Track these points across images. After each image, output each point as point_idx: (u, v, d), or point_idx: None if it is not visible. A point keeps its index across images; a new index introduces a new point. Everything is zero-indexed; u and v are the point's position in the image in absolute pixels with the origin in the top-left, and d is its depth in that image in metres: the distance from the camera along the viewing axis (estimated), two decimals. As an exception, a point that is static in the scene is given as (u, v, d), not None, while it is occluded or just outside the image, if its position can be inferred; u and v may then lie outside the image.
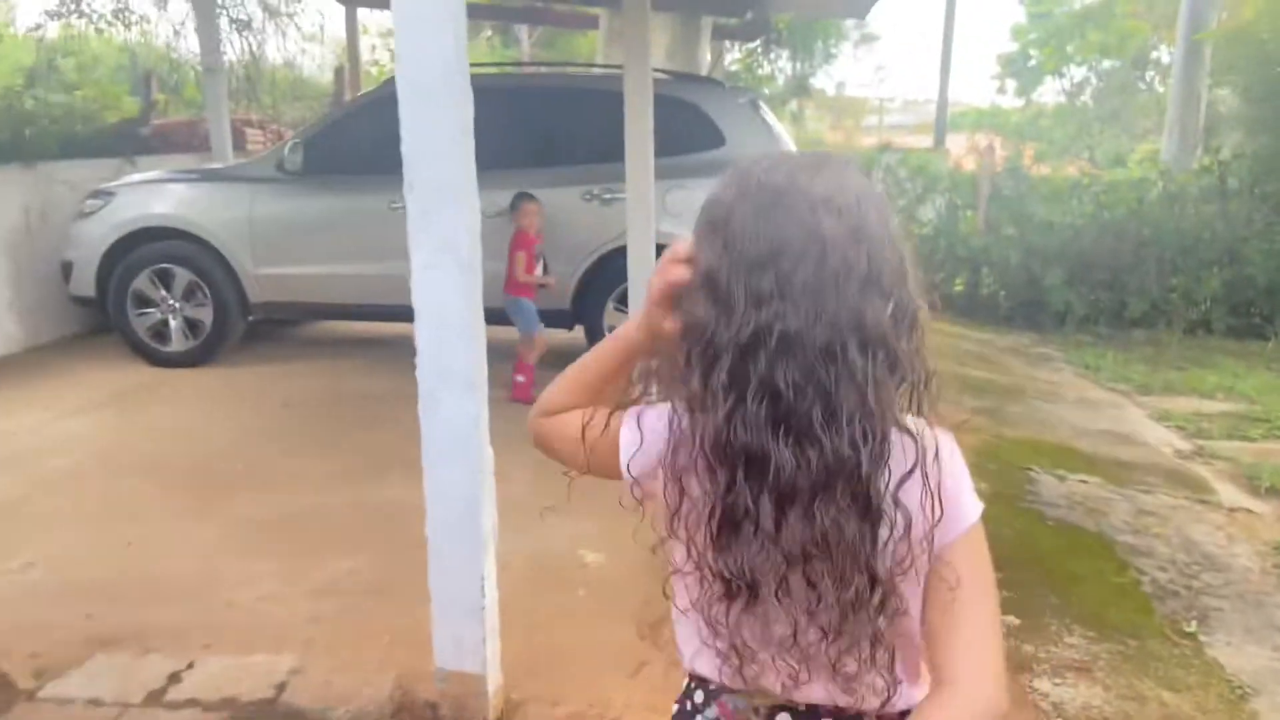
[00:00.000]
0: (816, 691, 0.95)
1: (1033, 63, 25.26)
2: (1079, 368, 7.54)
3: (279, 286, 5.74)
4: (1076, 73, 25.36)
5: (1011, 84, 26.82)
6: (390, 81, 6.24)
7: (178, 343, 5.80)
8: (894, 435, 0.87)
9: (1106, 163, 14.17)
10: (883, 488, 0.86)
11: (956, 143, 18.06)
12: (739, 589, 0.89)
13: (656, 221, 5.16)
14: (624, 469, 0.99)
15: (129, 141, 7.55)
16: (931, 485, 0.87)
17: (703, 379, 0.87)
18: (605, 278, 5.55)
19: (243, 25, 10.94)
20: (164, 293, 5.73)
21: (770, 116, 5.89)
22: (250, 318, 5.92)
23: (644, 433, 0.97)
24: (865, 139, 20.97)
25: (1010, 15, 28.05)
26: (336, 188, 5.72)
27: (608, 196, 5.49)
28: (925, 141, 18.41)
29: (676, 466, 0.91)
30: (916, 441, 0.88)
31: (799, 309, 0.84)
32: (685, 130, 5.56)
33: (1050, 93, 26.03)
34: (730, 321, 0.86)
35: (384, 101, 6.32)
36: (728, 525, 0.88)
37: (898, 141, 16.22)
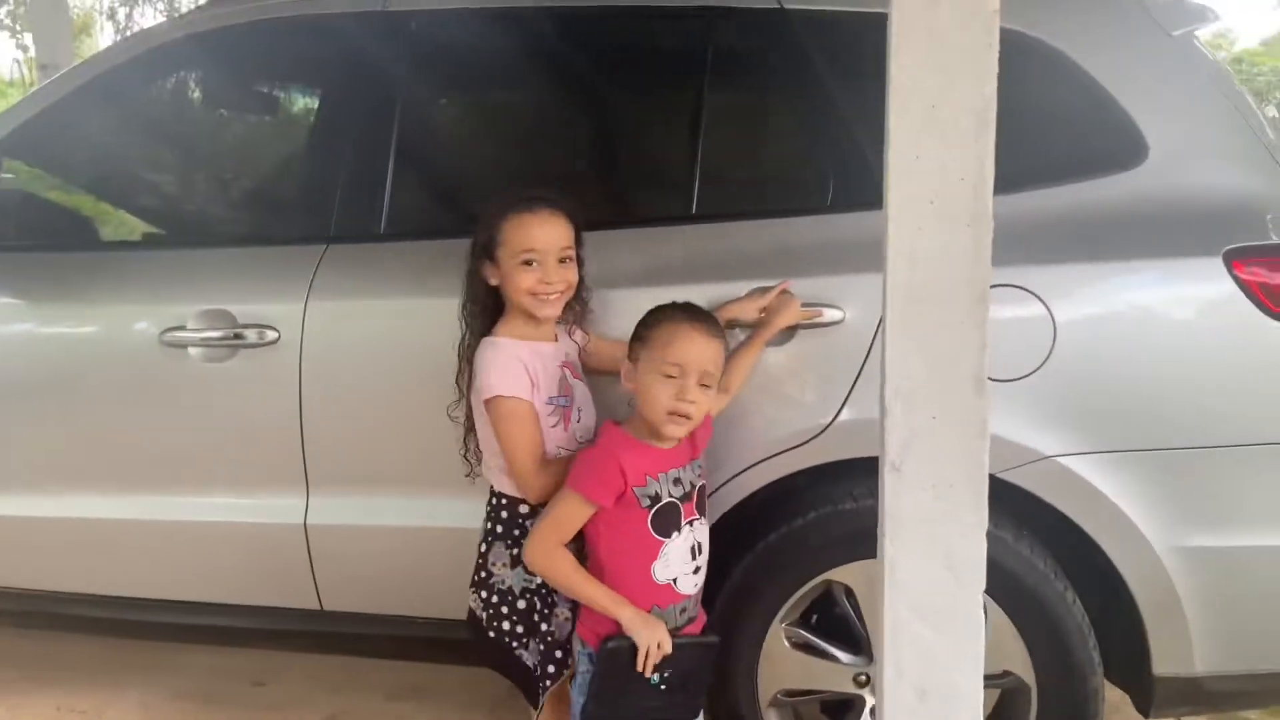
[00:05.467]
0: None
1: None
2: None
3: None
4: None
5: None
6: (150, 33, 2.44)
7: None
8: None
9: None
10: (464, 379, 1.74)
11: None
12: None
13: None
14: None
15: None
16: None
17: None
18: (777, 547, 1.82)
19: None
20: None
21: (1233, 80, 2.06)
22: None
23: None
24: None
25: None
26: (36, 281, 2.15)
27: (802, 309, 1.79)
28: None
29: None
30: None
31: None
32: (1035, 122, 1.85)
33: None
34: None
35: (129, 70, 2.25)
36: None
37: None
